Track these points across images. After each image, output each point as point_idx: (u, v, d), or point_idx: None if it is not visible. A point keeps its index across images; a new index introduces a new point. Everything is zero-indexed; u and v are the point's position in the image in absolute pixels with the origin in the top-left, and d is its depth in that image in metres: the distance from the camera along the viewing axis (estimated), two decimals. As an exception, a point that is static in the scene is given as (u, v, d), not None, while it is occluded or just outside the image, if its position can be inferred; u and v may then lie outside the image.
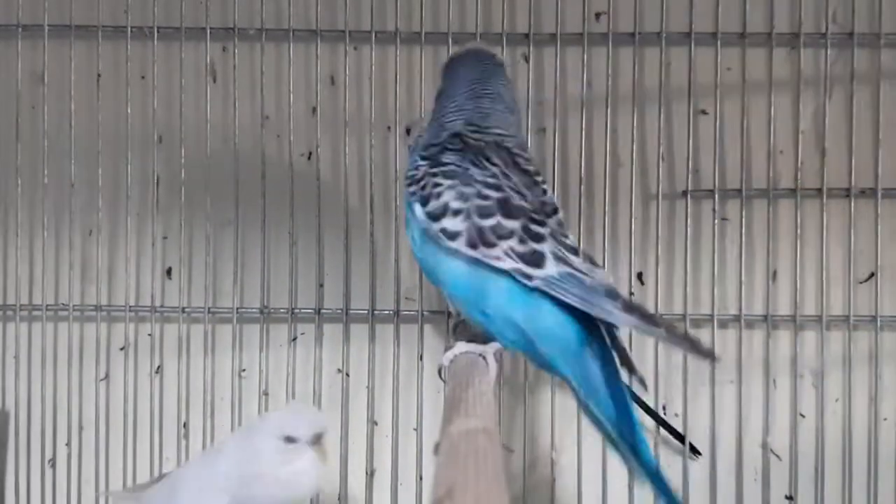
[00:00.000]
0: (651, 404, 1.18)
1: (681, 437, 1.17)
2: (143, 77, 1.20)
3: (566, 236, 0.82)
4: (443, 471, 0.48)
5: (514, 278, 0.78)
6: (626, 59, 1.18)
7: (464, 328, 0.97)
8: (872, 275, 1.18)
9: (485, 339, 0.86)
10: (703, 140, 1.19)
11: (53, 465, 1.21)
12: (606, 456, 1.18)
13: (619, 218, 1.19)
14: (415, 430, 1.20)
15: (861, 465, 1.18)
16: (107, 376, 1.21)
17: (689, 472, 1.18)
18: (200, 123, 1.18)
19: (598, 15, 1.19)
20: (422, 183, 0.83)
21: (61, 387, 1.21)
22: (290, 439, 0.88)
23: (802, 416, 1.19)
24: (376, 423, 1.20)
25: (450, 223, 0.79)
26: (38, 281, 1.20)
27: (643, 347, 1.19)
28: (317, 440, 0.88)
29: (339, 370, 1.21)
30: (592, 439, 1.19)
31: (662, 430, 1.18)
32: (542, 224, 0.80)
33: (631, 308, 0.77)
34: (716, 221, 1.18)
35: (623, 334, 1.15)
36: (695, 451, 1.17)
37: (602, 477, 1.18)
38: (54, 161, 1.19)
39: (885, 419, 1.19)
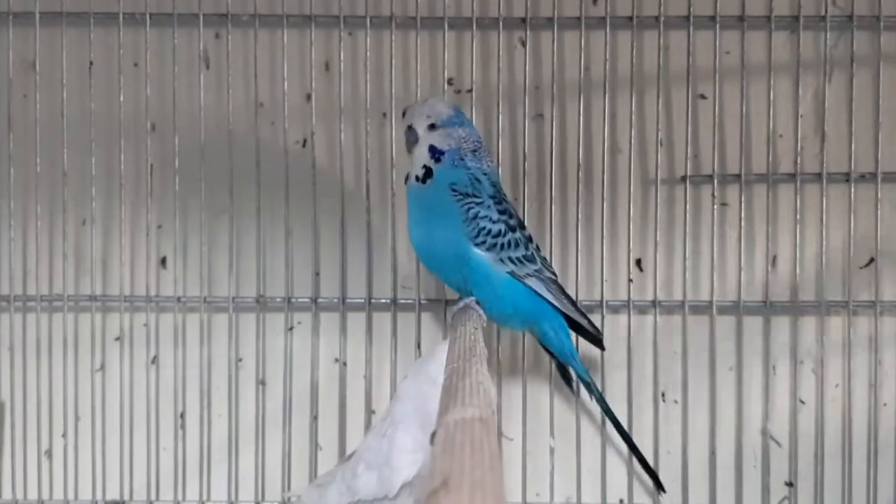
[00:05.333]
0: (650, 392, 1.17)
1: (651, 472, 1.16)
2: (135, 64, 1.19)
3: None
4: (438, 461, 0.47)
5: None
6: (624, 44, 1.17)
7: (461, 317, 0.96)
8: (872, 260, 1.18)
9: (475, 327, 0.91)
10: (702, 125, 1.18)
11: (50, 456, 1.21)
12: (605, 444, 1.18)
13: (617, 204, 1.18)
14: (413, 418, 1.19)
15: (861, 451, 1.17)
16: (102, 367, 1.21)
17: (689, 459, 1.18)
18: (194, 111, 1.17)
19: (595, -2, 1.18)
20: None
21: (57, 378, 1.20)
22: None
23: (802, 402, 1.19)
24: (374, 412, 1.19)
25: None
26: (31, 271, 1.20)
27: (642, 335, 1.18)
28: None
29: (336, 359, 1.20)
30: (591, 428, 1.19)
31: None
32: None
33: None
34: (715, 207, 1.18)
35: (622, 324, 1.16)
36: (660, 486, 1.16)
37: (601, 466, 1.18)
38: (47, 150, 1.18)
39: (885, 405, 1.18)
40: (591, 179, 1.18)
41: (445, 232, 0.99)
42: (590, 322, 1.06)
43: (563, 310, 1.04)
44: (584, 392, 1.17)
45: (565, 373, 1.13)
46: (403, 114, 1.03)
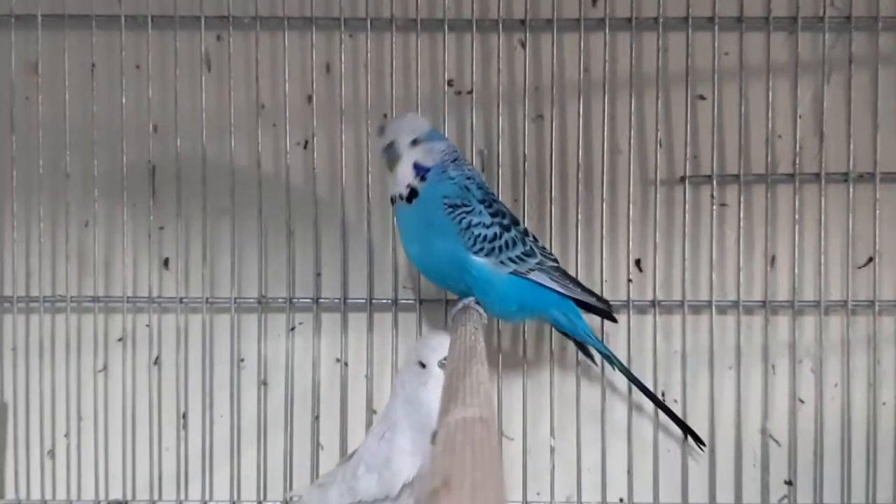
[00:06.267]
0: (650, 390, 1.18)
1: (685, 428, 1.17)
2: (137, 66, 1.19)
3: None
4: (439, 460, 0.48)
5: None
6: (623, 45, 1.17)
7: (461, 317, 0.97)
8: (871, 259, 1.18)
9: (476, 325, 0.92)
10: (701, 125, 1.18)
11: (52, 456, 1.22)
12: (606, 443, 1.19)
13: (617, 204, 1.19)
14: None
15: (860, 450, 1.18)
16: (105, 367, 1.21)
17: (689, 457, 1.19)
18: (196, 113, 1.17)
19: (594, 0, 1.18)
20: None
21: (59, 378, 1.21)
22: (421, 364, 0.94)
23: (801, 401, 1.19)
24: (375, 412, 1.20)
25: None
26: (34, 272, 1.20)
27: (642, 335, 1.19)
28: (443, 365, 0.92)
29: (338, 359, 1.21)
30: (592, 427, 1.19)
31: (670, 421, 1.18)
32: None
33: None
34: (714, 207, 1.18)
35: (621, 323, 1.17)
36: (699, 441, 1.17)
37: (601, 464, 1.18)
38: (49, 152, 1.18)
39: (884, 404, 1.19)
40: (590, 180, 1.18)
41: (443, 245, 0.99)
42: (598, 298, 1.07)
43: (570, 294, 1.05)
44: (583, 392, 1.17)
45: (585, 349, 1.15)
46: (380, 131, 1.02)
